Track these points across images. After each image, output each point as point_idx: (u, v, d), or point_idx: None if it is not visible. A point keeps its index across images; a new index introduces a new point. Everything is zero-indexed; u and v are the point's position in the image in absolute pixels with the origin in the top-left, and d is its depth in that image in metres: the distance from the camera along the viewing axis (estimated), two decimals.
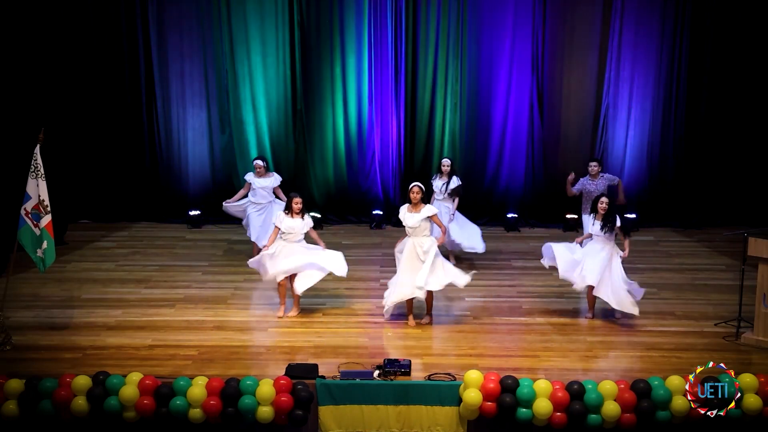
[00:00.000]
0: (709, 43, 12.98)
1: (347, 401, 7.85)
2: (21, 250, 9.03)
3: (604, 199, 9.37)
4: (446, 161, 11.37)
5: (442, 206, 11.11)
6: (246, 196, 11.49)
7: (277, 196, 11.42)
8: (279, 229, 9.46)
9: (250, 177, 11.42)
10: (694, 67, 13.09)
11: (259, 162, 11.37)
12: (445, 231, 9.62)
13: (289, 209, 9.48)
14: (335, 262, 9.51)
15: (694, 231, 13.26)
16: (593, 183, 11.22)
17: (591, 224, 9.46)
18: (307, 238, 9.68)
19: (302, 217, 9.48)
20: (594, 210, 9.46)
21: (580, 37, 13.11)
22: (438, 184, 11.27)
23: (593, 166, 11.38)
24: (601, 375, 8.06)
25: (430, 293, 9.33)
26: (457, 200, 11.30)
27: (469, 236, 11.38)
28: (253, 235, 11.32)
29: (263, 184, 11.31)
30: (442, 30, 13.12)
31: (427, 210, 9.20)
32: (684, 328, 9.41)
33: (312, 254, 9.51)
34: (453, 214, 11.23)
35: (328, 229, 13.23)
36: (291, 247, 9.46)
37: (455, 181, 11.26)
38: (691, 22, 12.93)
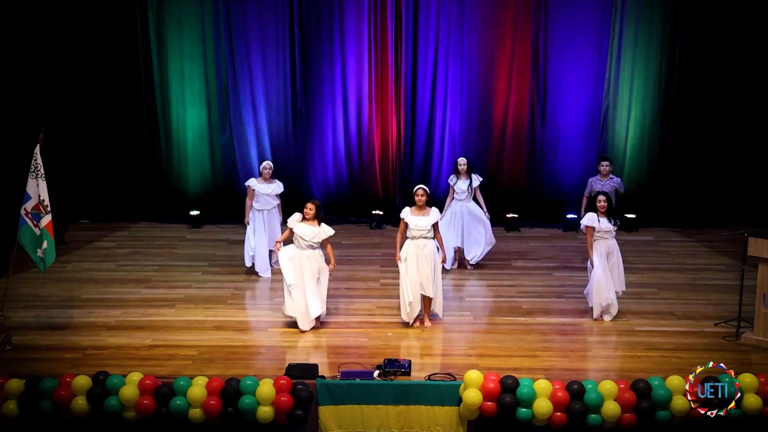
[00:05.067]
0: (709, 43, 12.97)
1: (347, 401, 7.85)
2: (21, 250, 9.03)
3: (601, 197, 9.37)
4: (462, 160, 11.14)
5: (464, 207, 11.10)
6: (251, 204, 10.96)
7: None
8: (291, 230, 9.23)
9: (253, 183, 10.91)
10: (694, 66, 13.09)
11: (270, 163, 11.01)
12: (443, 245, 9.57)
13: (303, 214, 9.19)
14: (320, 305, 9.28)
15: (694, 231, 13.25)
16: (602, 183, 11.21)
17: (598, 223, 9.36)
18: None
19: (318, 224, 9.18)
20: (593, 210, 9.43)
21: (580, 37, 13.10)
22: (462, 186, 11.06)
23: (605, 165, 11.36)
24: (601, 375, 8.06)
25: (429, 298, 9.37)
26: (482, 199, 11.17)
27: (469, 246, 11.25)
28: (260, 245, 10.87)
29: (269, 190, 10.89)
30: (442, 30, 13.12)
31: (435, 215, 9.22)
32: (684, 328, 9.41)
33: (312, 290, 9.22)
34: (486, 213, 11.16)
35: None
36: (300, 275, 9.15)
37: (477, 179, 11.14)
38: (691, 22, 12.92)
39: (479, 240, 11.22)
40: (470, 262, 11.28)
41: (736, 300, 9.29)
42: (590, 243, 9.42)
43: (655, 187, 13.46)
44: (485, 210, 11.16)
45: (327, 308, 9.43)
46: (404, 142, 13.45)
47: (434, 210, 9.27)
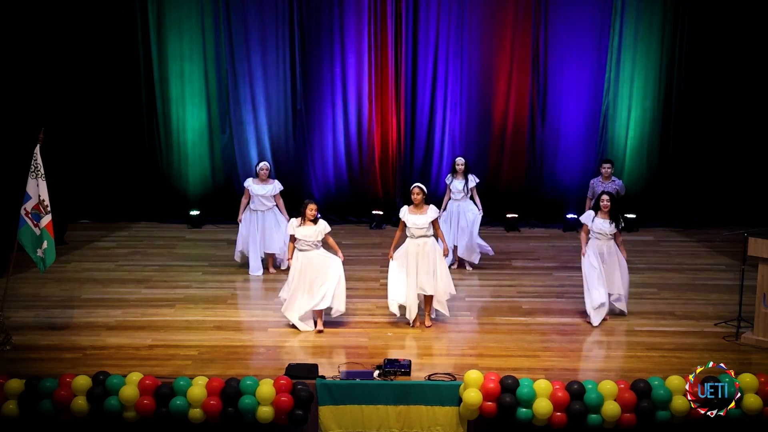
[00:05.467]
0: (709, 43, 12.98)
1: (347, 401, 7.85)
2: (21, 250, 9.03)
3: (604, 197, 9.35)
4: (460, 160, 11.15)
5: (461, 207, 11.12)
6: (247, 204, 10.98)
7: (276, 205, 11.00)
8: (295, 238, 9.18)
9: (249, 183, 10.93)
10: (694, 66, 13.10)
11: (266, 164, 10.97)
12: (444, 239, 9.58)
13: (303, 216, 9.12)
14: (337, 299, 9.25)
15: (694, 231, 13.26)
16: (603, 185, 11.18)
17: (595, 223, 9.36)
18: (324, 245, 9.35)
19: (315, 223, 9.16)
20: (597, 208, 9.41)
21: (580, 37, 13.11)
22: (457, 185, 11.11)
23: (606, 168, 11.38)
24: (601, 375, 8.06)
25: (430, 297, 9.36)
26: (478, 199, 11.20)
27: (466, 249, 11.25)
28: (251, 245, 10.90)
29: (262, 191, 10.85)
30: (442, 30, 13.12)
31: (433, 212, 9.21)
32: (684, 328, 9.41)
33: (323, 286, 9.17)
34: (480, 213, 11.20)
35: None
36: (307, 273, 9.15)
37: (473, 180, 11.16)
38: (691, 21, 12.93)
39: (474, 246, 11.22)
40: (468, 264, 11.31)
41: (736, 300, 9.29)
42: (583, 238, 9.45)
43: (655, 187, 13.47)
44: (480, 207, 11.17)
45: (327, 308, 9.36)
46: (404, 142, 13.46)
47: (432, 207, 9.26)
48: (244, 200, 11.02)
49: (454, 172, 11.21)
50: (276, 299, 9.87)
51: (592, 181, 11.61)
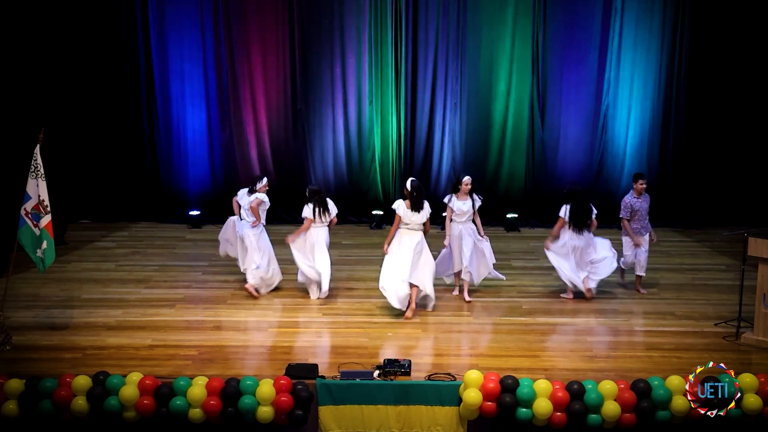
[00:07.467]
0: (709, 43, 12.98)
1: (347, 401, 7.85)
2: (21, 250, 9.03)
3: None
4: (468, 179, 9.96)
5: (466, 228, 9.97)
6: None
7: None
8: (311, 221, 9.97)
9: (265, 197, 10.31)
10: (694, 67, 13.10)
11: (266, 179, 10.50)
12: (428, 229, 9.66)
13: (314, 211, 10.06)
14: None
15: (694, 231, 13.27)
16: (639, 201, 10.30)
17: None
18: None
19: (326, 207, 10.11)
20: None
21: (580, 37, 13.11)
22: (462, 206, 9.91)
23: (641, 184, 10.30)
24: (601, 375, 8.06)
25: (415, 287, 9.53)
26: (479, 220, 10.18)
27: (479, 267, 10.16)
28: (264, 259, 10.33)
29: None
30: (442, 30, 13.12)
31: (427, 210, 9.51)
32: (684, 328, 9.41)
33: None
34: (483, 236, 10.13)
35: None
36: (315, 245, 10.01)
37: (478, 200, 10.11)
38: (691, 21, 12.93)
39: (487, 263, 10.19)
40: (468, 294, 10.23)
41: (736, 300, 9.29)
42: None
43: (655, 187, 13.41)
44: (482, 233, 10.15)
45: (326, 308, 9.57)
46: (404, 142, 13.45)
47: (425, 205, 9.61)
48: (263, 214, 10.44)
49: (455, 191, 10.03)
50: (276, 299, 9.88)
51: (627, 200, 10.30)
